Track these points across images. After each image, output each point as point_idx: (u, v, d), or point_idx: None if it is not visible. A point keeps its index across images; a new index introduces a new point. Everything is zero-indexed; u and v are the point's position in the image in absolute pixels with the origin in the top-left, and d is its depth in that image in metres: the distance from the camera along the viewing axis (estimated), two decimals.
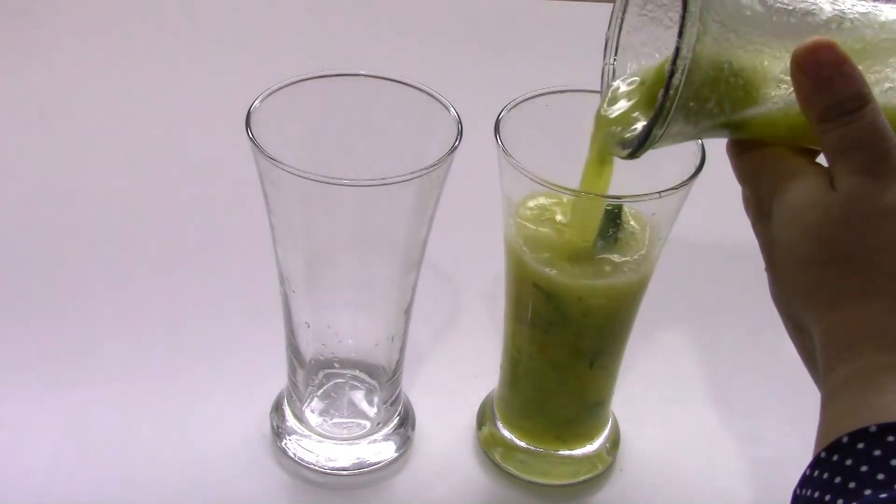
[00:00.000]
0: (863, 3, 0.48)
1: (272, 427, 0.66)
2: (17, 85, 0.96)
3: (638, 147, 0.48)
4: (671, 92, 0.45)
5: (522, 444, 0.65)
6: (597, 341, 0.60)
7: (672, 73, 0.45)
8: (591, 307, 0.58)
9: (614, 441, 0.66)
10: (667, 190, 0.55)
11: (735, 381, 0.72)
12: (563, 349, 0.60)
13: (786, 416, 0.69)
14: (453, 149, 0.55)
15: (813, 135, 0.46)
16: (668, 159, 0.56)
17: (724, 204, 0.75)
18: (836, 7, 0.47)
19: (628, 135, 0.51)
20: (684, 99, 0.45)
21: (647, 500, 0.65)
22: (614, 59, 0.53)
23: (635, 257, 0.57)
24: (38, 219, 0.81)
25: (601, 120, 0.52)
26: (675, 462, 0.66)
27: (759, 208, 0.49)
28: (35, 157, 0.88)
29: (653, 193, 0.57)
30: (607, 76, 0.54)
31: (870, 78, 0.46)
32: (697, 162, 0.55)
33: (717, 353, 0.74)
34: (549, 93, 0.59)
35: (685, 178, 0.55)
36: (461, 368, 0.71)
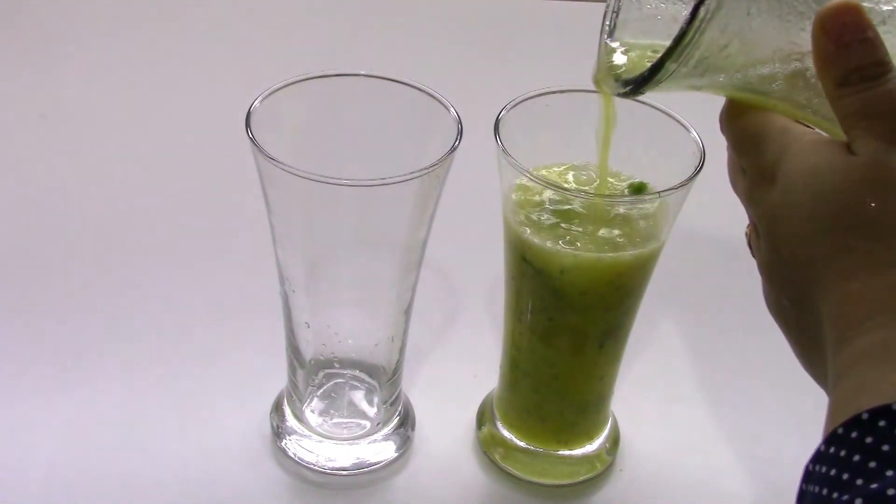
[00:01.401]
0: None
1: (272, 427, 0.66)
2: (18, 86, 0.96)
3: (644, 81, 0.46)
4: (696, 22, 0.43)
5: (522, 444, 0.65)
6: (600, 326, 0.60)
7: (699, 3, 0.43)
8: (593, 290, 0.58)
9: (614, 441, 0.66)
10: (667, 190, 0.55)
11: (735, 381, 0.72)
12: (566, 337, 0.60)
13: (786, 415, 0.69)
14: (453, 149, 0.55)
15: (817, 105, 0.46)
16: (668, 159, 0.56)
17: (725, 203, 0.76)
18: None
19: (628, 70, 0.49)
20: (704, 35, 0.44)
21: (647, 500, 0.65)
22: (619, 4, 0.51)
23: (637, 241, 0.57)
24: (38, 219, 0.81)
25: (601, 57, 0.51)
26: (675, 462, 0.66)
27: (760, 175, 0.47)
28: (35, 157, 0.88)
29: (653, 193, 0.57)
30: (610, 19, 0.52)
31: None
32: (697, 162, 0.55)
33: (717, 353, 0.74)
34: (549, 93, 0.59)
35: (685, 177, 0.55)
36: (461, 368, 0.71)
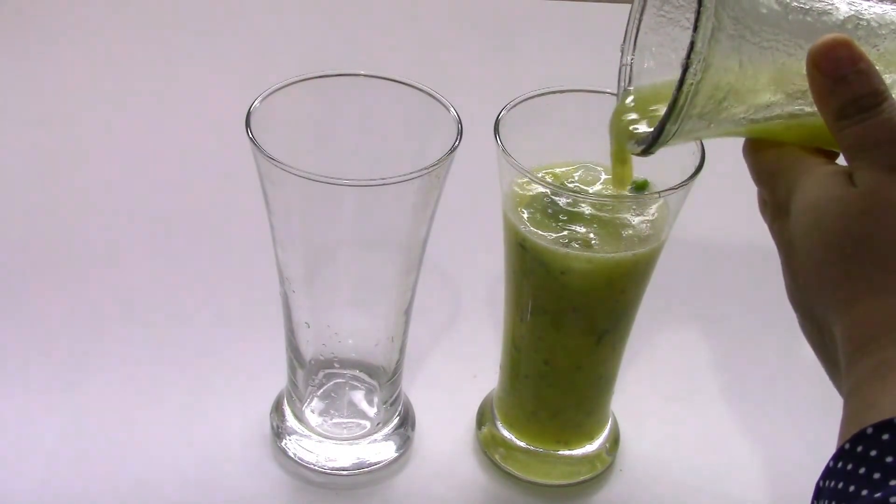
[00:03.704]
0: (879, 4, 0.48)
1: (272, 427, 0.66)
2: (18, 86, 0.96)
3: (651, 143, 0.48)
4: (685, 87, 0.45)
5: (522, 444, 0.65)
6: (600, 325, 0.60)
7: (687, 68, 0.45)
8: (593, 289, 0.58)
9: (614, 441, 0.66)
10: (667, 190, 0.55)
11: (736, 381, 0.72)
12: (566, 336, 0.60)
13: (787, 416, 0.69)
14: (453, 149, 0.55)
15: (827, 134, 0.46)
16: (669, 159, 0.56)
17: (726, 202, 0.76)
18: (853, 8, 0.47)
19: (642, 131, 0.51)
20: (698, 95, 0.45)
21: (647, 500, 0.65)
22: (631, 59, 0.53)
23: (638, 241, 0.57)
24: (37, 219, 0.81)
25: (618, 117, 0.53)
26: (675, 462, 0.66)
27: (777, 207, 0.49)
28: (35, 158, 0.88)
29: (653, 193, 0.57)
30: (624, 75, 0.54)
31: (885, 79, 0.46)
32: (697, 162, 0.55)
33: (717, 353, 0.74)
34: (549, 93, 0.59)
35: (685, 177, 0.55)
36: (461, 368, 0.71)
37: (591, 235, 0.56)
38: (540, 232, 0.56)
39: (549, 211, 0.57)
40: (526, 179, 0.56)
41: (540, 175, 0.57)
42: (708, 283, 0.79)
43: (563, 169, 0.59)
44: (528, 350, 0.62)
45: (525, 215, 0.57)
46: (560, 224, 0.56)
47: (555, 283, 0.57)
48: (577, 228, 0.56)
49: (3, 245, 0.78)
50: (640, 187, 0.58)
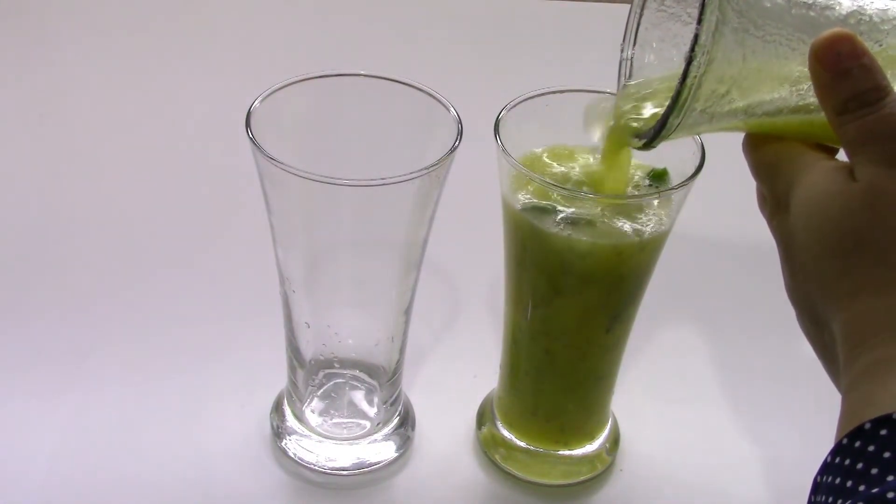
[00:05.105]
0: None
1: (272, 427, 0.66)
2: (18, 86, 0.96)
3: (653, 137, 0.48)
4: (689, 80, 0.45)
5: (522, 444, 0.65)
6: (601, 319, 0.60)
7: (690, 61, 0.45)
8: (595, 278, 0.58)
9: (614, 441, 0.66)
10: (666, 190, 0.55)
11: (736, 381, 0.72)
12: (567, 330, 0.60)
13: (787, 415, 0.69)
14: (453, 149, 0.55)
15: (828, 129, 0.46)
16: (670, 157, 0.56)
17: (724, 200, 0.76)
18: (856, 3, 0.47)
19: (643, 125, 0.51)
20: (701, 89, 0.45)
21: (647, 500, 0.65)
22: (632, 54, 0.53)
23: (640, 231, 0.56)
24: (38, 220, 0.81)
25: (618, 111, 0.53)
26: (675, 462, 0.66)
27: (776, 203, 0.49)
28: (35, 158, 0.88)
29: (653, 193, 0.57)
30: (625, 70, 0.54)
31: (887, 74, 0.46)
32: (697, 162, 0.55)
33: (717, 353, 0.74)
34: (549, 93, 0.59)
35: (685, 177, 0.55)
36: (461, 368, 0.71)
37: (594, 222, 0.56)
38: (541, 222, 0.56)
39: (551, 202, 0.56)
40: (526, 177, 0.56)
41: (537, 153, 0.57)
42: (708, 285, 0.79)
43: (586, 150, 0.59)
44: (528, 342, 0.61)
45: (526, 207, 0.57)
46: (562, 214, 0.56)
47: (556, 273, 0.57)
48: (580, 218, 0.56)
49: (3, 245, 0.78)
50: (660, 176, 0.58)
